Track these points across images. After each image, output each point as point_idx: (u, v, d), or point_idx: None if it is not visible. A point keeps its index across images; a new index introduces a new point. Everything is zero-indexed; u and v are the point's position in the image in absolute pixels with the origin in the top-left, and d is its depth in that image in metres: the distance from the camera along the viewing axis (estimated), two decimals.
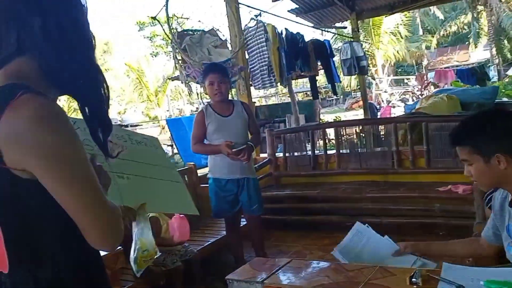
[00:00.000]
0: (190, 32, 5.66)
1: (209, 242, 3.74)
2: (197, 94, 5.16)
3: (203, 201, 4.45)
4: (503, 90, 14.40)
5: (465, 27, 30.40)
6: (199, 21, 5.54)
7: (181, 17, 5.21)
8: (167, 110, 29.38)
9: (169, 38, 5.06)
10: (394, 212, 4.44)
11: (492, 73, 23.97)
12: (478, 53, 29.54)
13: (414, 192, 4.37)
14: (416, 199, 4.36)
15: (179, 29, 5.56)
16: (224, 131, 3.53)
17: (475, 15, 29.14)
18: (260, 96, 27.11)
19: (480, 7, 28.45)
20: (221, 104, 3.60)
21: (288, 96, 11.13)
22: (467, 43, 30.30)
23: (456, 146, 1.85)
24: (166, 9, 5.05)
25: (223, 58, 5.42)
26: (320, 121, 13.30)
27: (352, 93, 28.40)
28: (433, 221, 4.24)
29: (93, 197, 1.04)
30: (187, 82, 5.02)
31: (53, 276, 1.07)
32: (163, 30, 5.07)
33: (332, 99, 30.42)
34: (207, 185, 4.36)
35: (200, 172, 4.87)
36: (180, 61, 5.16)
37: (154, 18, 5.03)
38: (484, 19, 28.81)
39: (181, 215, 3.30)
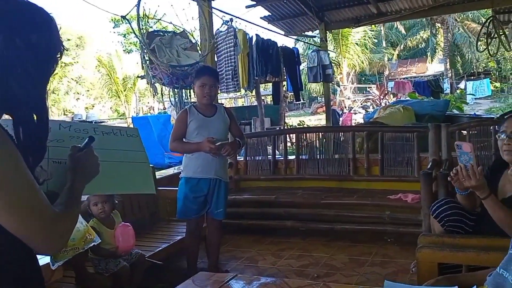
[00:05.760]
0: (161, 33, 5.44)
1: (161, 248, 3.48)
2: (162, 95, 4.93)
3: (159, 205, 4.24)
4: (454, 103, 14.64)
5: (424, 42, 30.92)
6: (171, 22, 5.28)
7: (153, 18, 4.94)
8: (136, 107, 28.78)
9: (138, 38, 4.82)
10: (347, 218, 4.33)
11: (446, 85, 24.49)
12: (434, 66, 30.19)
13: (366, 199, 4.27)
14: (368, 207, 4.26)
15: (150, 30, 5.32)
16: (205, 130, 3.40)
17: (433, 32, 29.76)
18: (230, 98, 26.87)
19: (438, 25, 29.04)
20: (206, 106, 3.49)
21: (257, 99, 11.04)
22: (424, 56, 30.88)
23: None
24: (137, 9, 4.82)
25: (192, 60, 5.22)
26: (285, 124, 13.20)
27: (318, 98, 28.49)
28: (383, 228, 4.15)
29: (26, 209, 0.98)
30: (152, 83, 4.81)
31: None
32: (132, 29, 4.82)
33: (299, 103, 30.43)
34: (166, 188, 4.17)
35: (159, 174, 4.66)
36: (147, 61, 4.95)
37: (124, 17, 4.77)
38: (441, 35, 29.47)
39: (126, 224, 3.03)
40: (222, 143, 3.37)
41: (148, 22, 5.01)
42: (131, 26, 4.70)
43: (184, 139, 3.47)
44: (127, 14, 4.78)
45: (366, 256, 3.90)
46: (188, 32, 5.44)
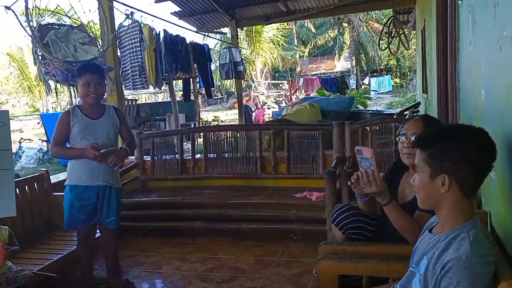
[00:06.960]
0: (56, 27, 4.90)
1: (53, 260, 3.09)
2: (56, 93, 4.43)
3: (55, 211, 3.81)
4: (359, 98, 15.20)
5: (332, 40, 32.00)
6: (66, 15, 4.75)
7: (45, 10, 4.41)
8: (54, 102, 26.95)
9: (27, 31, 4.26)
10: (254, 218, 4.17)
11: (352, 81, 25.57)
12: (342, 63, 31.38)
13: (273, 198, 4.14)
14: (274, 206, 4.14)
15: (43, 22, 4.76)
16: (90, 135, 3.00)
17: (340, 31, 30.89)
18: (149, 93, 25.96)
19: (344, 24, 30.21)
20: (92, 107, 3.06)
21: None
22: (333, 54, 31.98)
23: (417, 148, 1.53)
24: None
25: (90, 56, 4.76)
26: (200, 120, 12.93)
27: (235, 93, 28.42)
28: (289, 226, 4.05)
29: None
30: (46, 80, 4.30)
31: None
32: (19, 21, 4.25)
33: (217, 98, 30.19)
34: (61, 193, 3.75)
35: (54, 177, 4.20)
36: (40, 57, 4.42)
37: (8, 8, 4.19)
38: (347, 34, 30.71)
39: None
40: (107, 150, 3.00)
41: (40, 14, 4.46)
42: (17, 18, 4.13)
43: (68, 144, 3.06)
44: (12, 4, 4.22)
45: (272, 256, 3.77)
46: (87, 26, 4.96)
